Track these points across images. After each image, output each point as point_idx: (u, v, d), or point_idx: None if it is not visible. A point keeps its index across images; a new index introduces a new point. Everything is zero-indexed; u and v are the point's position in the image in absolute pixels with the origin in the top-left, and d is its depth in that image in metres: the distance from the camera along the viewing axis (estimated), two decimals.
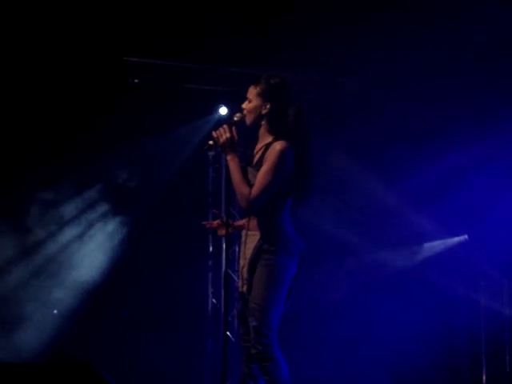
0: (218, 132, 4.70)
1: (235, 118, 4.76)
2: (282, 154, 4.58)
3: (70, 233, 8.01)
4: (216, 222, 4.97)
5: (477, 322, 7.89)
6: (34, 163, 7.71)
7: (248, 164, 4.74)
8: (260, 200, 4.58)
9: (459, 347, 8.03)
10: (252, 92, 4.77)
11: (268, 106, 4.72)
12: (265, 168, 4.59)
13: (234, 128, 4.70)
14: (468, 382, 8.01)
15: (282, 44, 7.42)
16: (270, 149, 4.62)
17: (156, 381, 7.94)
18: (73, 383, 3.60)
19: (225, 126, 4.71)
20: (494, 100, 7.70)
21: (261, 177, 4.59)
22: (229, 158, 4.68)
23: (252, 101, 4.75)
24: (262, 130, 4.76)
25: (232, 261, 7.60)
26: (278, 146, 4.62)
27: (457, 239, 8.12)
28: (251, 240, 4.65)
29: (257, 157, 4.71)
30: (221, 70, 8.05)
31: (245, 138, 4.80)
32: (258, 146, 4.76)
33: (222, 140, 4.67)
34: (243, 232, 4.76)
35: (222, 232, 4.91)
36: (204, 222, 5.06)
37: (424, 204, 8.10)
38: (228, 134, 4.67)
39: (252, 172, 4.68)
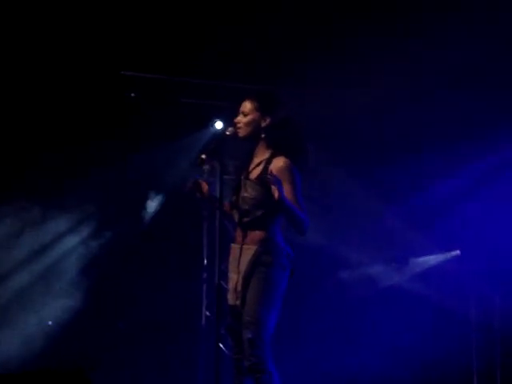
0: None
1: (227, 133, 4.81)
2: (292, 170, 4.63)
3: (66, 243, 8.05)
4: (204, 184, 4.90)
5: (467, 338, 7.93)
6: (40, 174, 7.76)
7: (245, 177, 4.76)
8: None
9: (450, 363, 8.04)
10: (247, 106, 4.79)
11: (268, 120, 4.76)
12: (289, 190, 4.58)
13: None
14: None
15: (280, 59, 7.46)
16: (277, 168, 4.61)
17: None
18: None
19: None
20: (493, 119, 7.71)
21: (295, 200, 4.59)
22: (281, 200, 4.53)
23: (248, 114, 4.77)
24: (260, 144, 4.80)
25: (226, 273, 7.61)
26: (281, 163, 4.64)
27: (449, 254, 8.17)
28: (247, 254, 4.69)
29: (257, 170, 4.74)
30: (217, 85, 8.09)
31: (235, 151, 4.84)
32: (256, 159, 4.80)
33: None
34: (234, 246, 4.80)
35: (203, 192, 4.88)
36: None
37: (420, 221, 8.14)
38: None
39: (251, 185, 4.70)
